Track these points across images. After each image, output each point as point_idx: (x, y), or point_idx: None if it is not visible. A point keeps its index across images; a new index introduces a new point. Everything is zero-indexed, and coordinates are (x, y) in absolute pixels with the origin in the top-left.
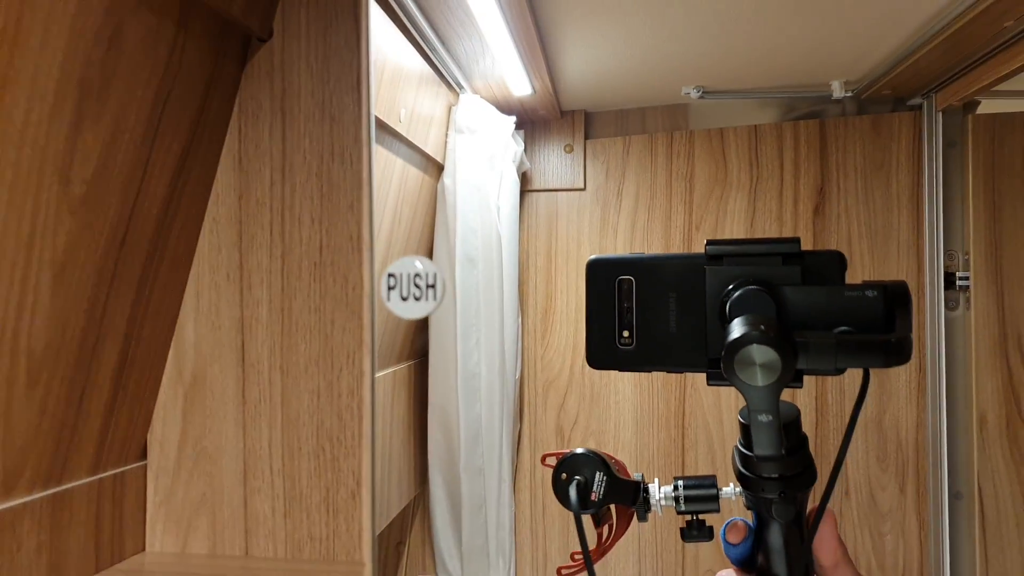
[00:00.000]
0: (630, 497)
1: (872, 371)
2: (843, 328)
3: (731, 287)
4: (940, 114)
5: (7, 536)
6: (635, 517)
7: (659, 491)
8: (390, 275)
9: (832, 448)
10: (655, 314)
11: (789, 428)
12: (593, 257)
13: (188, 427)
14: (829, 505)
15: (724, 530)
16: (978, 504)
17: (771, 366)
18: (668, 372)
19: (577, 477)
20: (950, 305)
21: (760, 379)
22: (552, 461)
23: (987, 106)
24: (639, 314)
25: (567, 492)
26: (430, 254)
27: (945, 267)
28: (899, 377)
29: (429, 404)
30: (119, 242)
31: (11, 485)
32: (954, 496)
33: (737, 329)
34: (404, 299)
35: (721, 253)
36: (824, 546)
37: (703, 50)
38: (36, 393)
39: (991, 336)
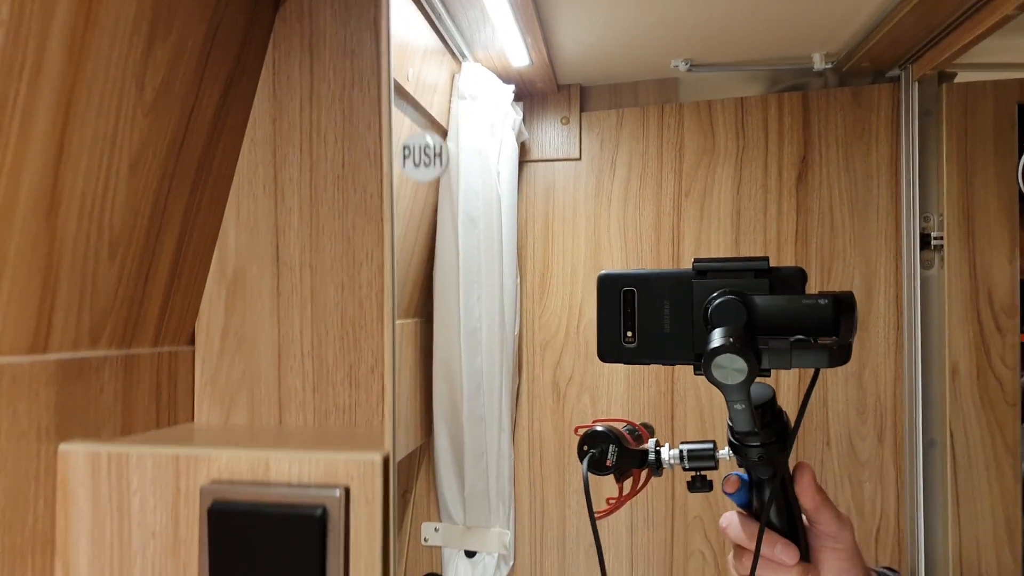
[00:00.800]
0: (638, 462)
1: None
2: (798, 336)
3: (713, 296)
4: (916, 84)
5: (94, 379)
6: (651, 474)
7: (668, 453)
8: (405, 147)
9: (812, 420)
10: (653, 318)
11: (765, 407)
12: (603, 272)
13: (230, 317)
14: (807, 460)
15: (723, 482)
16: (950, 450)
17: (739, 369)
18: (663, 365)
19: (592, 450)
20: (925, 265)
21: (731, 379)
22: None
23: (963, 78)
24: (640, 318)
25: (585, 461)
26: (435, 213)
27: (921, 229)
28: (878, 334)
29: (434, 358)
30: (178, 147)
31: (96, 337)
32: (928, 444)
33: (713, 340)
34: (416, 165)
35: (706, 269)
36: (805, 494)
37: (690, 23)
38: (114, 265)
39: (963, 292)
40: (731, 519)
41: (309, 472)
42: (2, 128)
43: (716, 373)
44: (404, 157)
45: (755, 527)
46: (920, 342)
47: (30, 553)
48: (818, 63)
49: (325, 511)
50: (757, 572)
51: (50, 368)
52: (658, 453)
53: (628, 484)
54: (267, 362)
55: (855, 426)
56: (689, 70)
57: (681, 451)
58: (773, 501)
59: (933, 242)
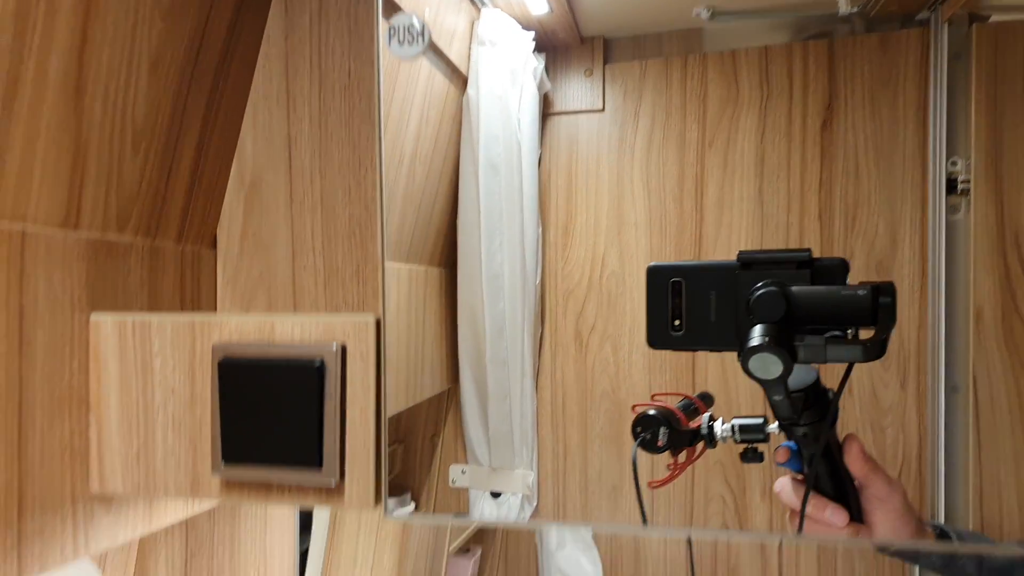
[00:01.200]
0: (687, 441)
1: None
2: (833, 332)
3: (755, 288)
4: (946, 26)
5: (121, 262)
6: (706, 446)
7: (720, 428)
8: (391, 27)
9: (833, 368)
10: (699, 307)
11: (808, 390)
12: (652, 264)
13: (248, 222)
14: (853, 431)
15: (775, 453)
16: (972, 395)
17: (774, 366)
18: (710, 351)
19: (644, 433)
20: (952, 210)
21: (767, 375)
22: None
23: (997, 20)
24: (687, 307)
25: (636, 443)
26: (456, 162)
27: (948, 174)
28: (902, 282)
29: (458, 304)
30: (195, 56)
31: (123, 224)
32: (951, 389)
33: (751, 339)
34: (400, 43)
35: (750, 261)
36: (854, 464)
37: None
38: (138, 157)
39: (990, 236)
40: (784, 485)
41: (310, 332)
42: (29, 8)
43: (753, 369)
44: (390, 36)
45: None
46: (944, 287)
47: (67, 406)
48: (843, 7)
49: (323, 363)
50: (813, 533)
51: (81, 244)
52: (711, 428)
53: (683, 456)
54: (282, 263)
55: (878, 373)
56: (711, 18)
57: (733, 426)
58: (821, 470)
59: (960, 186)
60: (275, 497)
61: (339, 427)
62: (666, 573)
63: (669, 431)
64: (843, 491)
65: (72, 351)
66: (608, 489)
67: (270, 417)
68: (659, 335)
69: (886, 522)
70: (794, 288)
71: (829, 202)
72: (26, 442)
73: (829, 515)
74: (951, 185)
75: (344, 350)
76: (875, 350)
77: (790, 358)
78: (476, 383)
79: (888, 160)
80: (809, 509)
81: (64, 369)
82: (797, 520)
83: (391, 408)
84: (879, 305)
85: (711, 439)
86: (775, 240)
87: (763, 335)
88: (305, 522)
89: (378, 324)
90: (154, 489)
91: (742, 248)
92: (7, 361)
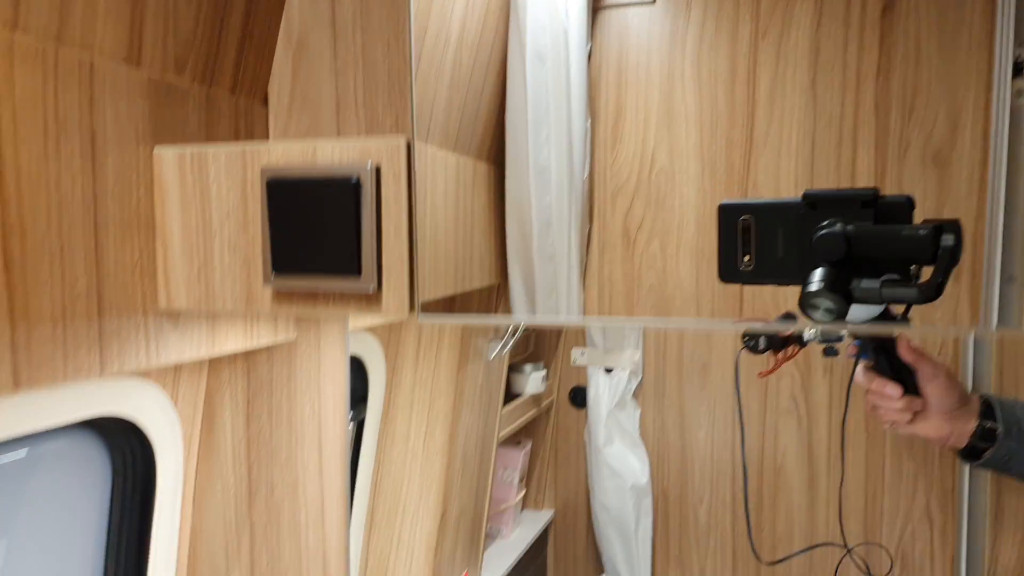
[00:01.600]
0: (781, 344)
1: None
2: (888, 276)
3: (818, 227)
4: None
5: (180, 105)
6: (797, 348)
7: (808, 333)
8: None
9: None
10: (768, 244)
11: (875, 320)
12: (724, 202)
13: (296, 81)
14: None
15: (848, 349)
16: None
17: (830, 310)
18: (777, 285)
19: (750, 341)
20: (1017, 94)
21: (824, 318)
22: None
23: None
24: (756, 243)
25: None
26: (504, 52)
27: (1015, 56)
28: (961, 172)
29: (506, 198)
30: None
31: (181, 67)
32: (1006, 280)
33: (809, 283)
34: None
35: (815, 200)
36: (904, 354)
37: None
38: (192, 2)
39: None
40: (859, 372)
41: (348, 154)
42: None
43: (811, 312)
44: None
45: (872, 375)
46: (1005, 175)
47: (135, 228)
48: None
49: (359, 180)
50: (876, 406)
51: (143, 82)
52: (801, 334)
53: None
54: (327, 117)
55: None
56: None
57: (816, 331)
58: (883, 363)
59: None
60: (321, 304)
61: (375, 239)
62: (712, 471)
63: (768, 337)
64: (901, 376)
65: (138, 178)
66: (652, 378)
67: (314, 231)
68: (729, 270)
69: (935, 392)
70: (855, 228)
71: (886, 91)
72: (102, 253)
73: (889, 389)
74: (1017, 68)
75: (379, 170)
76: (930, 292)
77: (845, 302)
78: (523, 278)
79: (952, 45)
80: (873, 386)
81: (132, 194)
82: (871, 401)
83: (440, 289)
84: (940, 245)
85: (801, 341)
86: (827, 133)
87: (821, 279)
88: (362, 394)
89: (408, 146)
90: (214, 303)
91: (792, 142)
92: (83, 178)
